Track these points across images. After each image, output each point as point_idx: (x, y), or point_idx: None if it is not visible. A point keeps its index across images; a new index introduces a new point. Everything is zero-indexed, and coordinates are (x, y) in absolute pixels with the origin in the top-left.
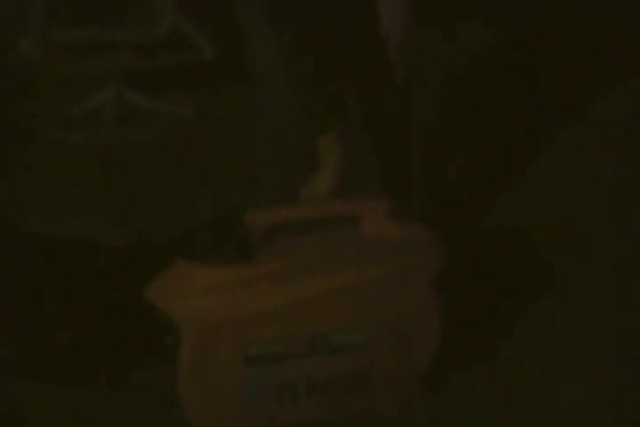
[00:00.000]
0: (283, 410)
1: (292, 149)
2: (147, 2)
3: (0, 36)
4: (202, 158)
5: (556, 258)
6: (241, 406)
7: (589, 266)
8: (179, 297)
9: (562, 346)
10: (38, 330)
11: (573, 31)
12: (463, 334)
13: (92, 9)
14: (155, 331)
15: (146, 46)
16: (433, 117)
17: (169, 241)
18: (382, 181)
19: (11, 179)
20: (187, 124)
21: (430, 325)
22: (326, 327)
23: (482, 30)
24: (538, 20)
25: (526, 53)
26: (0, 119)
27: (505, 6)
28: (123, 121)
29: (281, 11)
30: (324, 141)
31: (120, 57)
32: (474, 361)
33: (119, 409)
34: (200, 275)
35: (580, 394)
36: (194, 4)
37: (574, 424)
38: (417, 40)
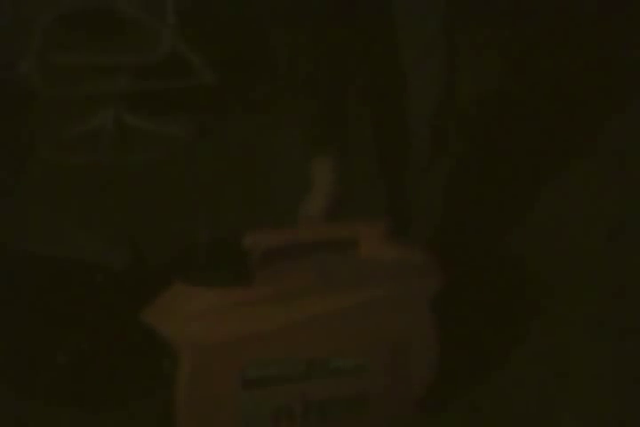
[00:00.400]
0: None
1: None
2: (146, 24)
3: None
4: (200, 181)
5: (555, 283)
6: None
7: (589, 292)
8: (176, 319)
9: (561, 372)
10: (37, 350)
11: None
12: (462, 357)
13: (92, 31)
14: (152, 353)
15: (145, 69)
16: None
17: (167, 263)
18: (384, 204)
19: (9, 200)
20: (185, 147)
21: (429, 348)
22: (324, 350)
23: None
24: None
25: (530, 83)
26: None
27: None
28: (121, 143)
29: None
30: (317, 164)
31: (119, 79)
32: (473, 385)
33: None
34: (198, 297)
35: (579, 420)
36: (193, 27)
37: None
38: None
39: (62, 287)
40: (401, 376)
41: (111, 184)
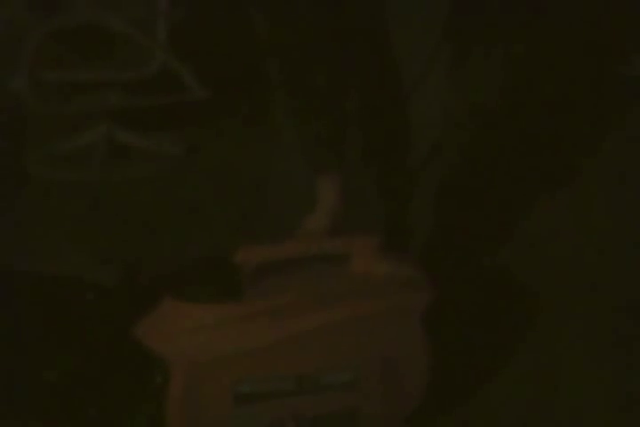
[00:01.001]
0: None
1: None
2: (137, 40)
3: None
4: (191, 197)
5: (545, 296)
6: None
7: (579, 305)
8: (167, 335)
9: (549, 388)
10: (26, 367)
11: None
12: (451, 374)
13: (82, 47)
14: (144, 370)
15: (136, 85)
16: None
17: (158, 279)
18: (380, 220)
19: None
20: (176, 163)
21: (419, 362)
22: (315, 366)
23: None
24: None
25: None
26: None
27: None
28: (112, 159)
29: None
30: (321, 182)
31: (110, 96)
32: (462, 399)
33: None
34: (189, 313)
35: None
36: (184, 42)
37: None
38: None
39: (52, 304)
40: (391, 391)
41: (102, 200)
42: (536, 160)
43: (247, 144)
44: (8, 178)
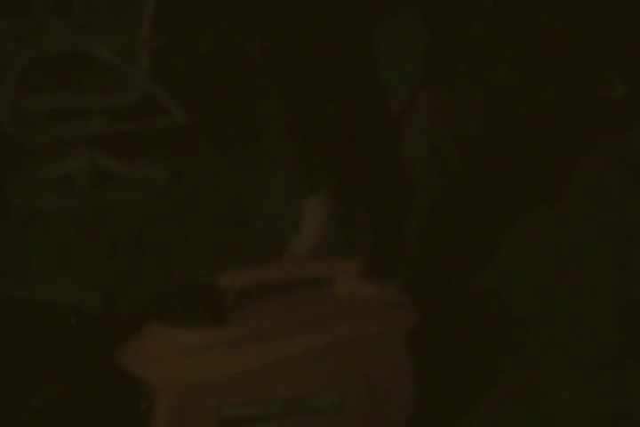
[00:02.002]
0: None
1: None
2: (118, 67)
3: None
4: (175, 222)
5: (528, 320)
6: None
7: (562, 327)
8: (151, 360)
9: (535, 409)
10: (10, 394)
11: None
12: (436, 396)
13: (65, 74)
14: (127, 396)
15: (118, 111)
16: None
17: (141, 304)
18: (364, 243)
19: None
20: (160, 189)
21: (404, 385)
22: (300, 389)
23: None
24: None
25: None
26: None
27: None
28: (95, 186)
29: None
30: (307, 205)
31: (93, 122)
32: (447, 424)
33: None
34: (173, 338)
35: None
36: (167, 69)
37: None
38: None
39: (36, 330)
40: (377, 414)
41: (86, 227)
42: (519, 184)
43: (231, 169)
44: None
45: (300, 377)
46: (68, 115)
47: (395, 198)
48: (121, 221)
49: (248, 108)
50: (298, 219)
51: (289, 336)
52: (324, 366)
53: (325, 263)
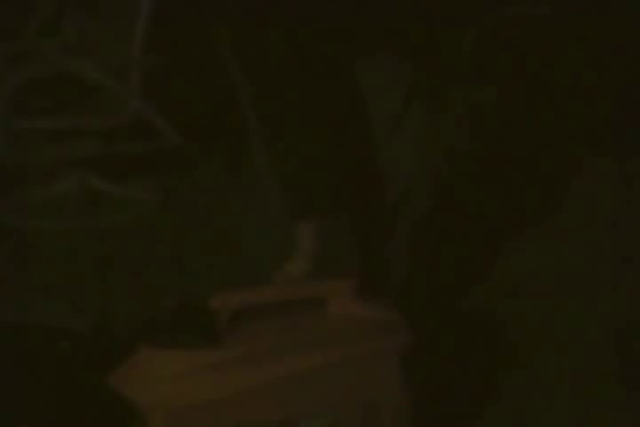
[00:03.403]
0: None
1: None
2: (110, 88)
3: None
4: (168, 243)
5: (521, 340)
6: None
7: (556, 346)
8: (144, 383)
9: (532, 423)
10: (2, 420)
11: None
12: (431, 415)
13: (56, 96)
14: (121, 419)
15: (111, 133)
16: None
17: (134, 327)
18: (355, 264)
19: None
20: (152, 210)
21: (400, 405)
22: (295, 410)
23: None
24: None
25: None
26: None
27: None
28: (87, 207)
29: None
30: (302, 228)
31: (85, 144)
32: None
33: None
34: (165, 360)
35: None
36: (158, 90)
37: None
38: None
39: (27, 354)
40: None
41: (77, 248)
42: (510, 201)
43: (224, 190)
44: None
45: (294, 399)
46: (59, 136)
47: (382, 216)
48: (112, 244)
49: (240, 129)
50: (289, 242)
51: (283, 358)
52: (318, 388)
53: (318, 284)
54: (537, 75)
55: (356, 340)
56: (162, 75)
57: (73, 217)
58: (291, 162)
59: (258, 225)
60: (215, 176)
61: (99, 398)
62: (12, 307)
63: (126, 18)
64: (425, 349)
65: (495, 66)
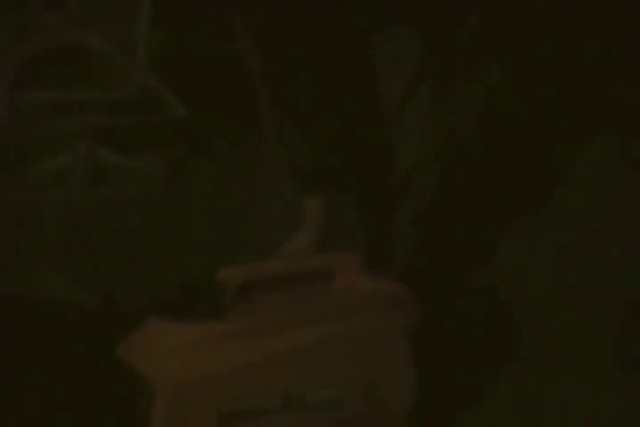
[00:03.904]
0: None
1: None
2: (117, 60)
3: None
4: (175, 217)
5: (527, 315)
6: None
7: (561, 323)
8: (151, 355)
9: (532, 406)
10: (6, 393)
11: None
12: (437, 391)
13: (63, 67)
14: (128, 391)
15: (117, 105)
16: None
17: (141, 300)
18: (363, 239)
19: None
20: (158, 183)
21: (404, 381)
22: (301, 383)
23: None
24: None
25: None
26: None
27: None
28: (93, 180)
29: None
30: (307, 202)
31: (91, 116)
32: (448, 419)
33: None
34: (173, 333)
35: None
36: (164, 62)
37: None
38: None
39: (34, 327)
40: (377, 409)
41: (84, 222)
42: (518, 182)
43: (232, 164)
44: None
45: (299, 372)
46: (66, 108)
47: (387, 192)
48: (119, 217)
49: (247, 104)
50: (295, 216)
51: (289, 331)
52: (324, 361)
53: (324, 258)
54: (543, 54)
55: (362, 314)
56: (168, 47)
57: (79, 190)
58: (298, 137)
59: (262, 199)
60: (220, 150)
61: (105, 370)
62: (18, 280)
63: None
64: (429, 324)
65: (502, 45)
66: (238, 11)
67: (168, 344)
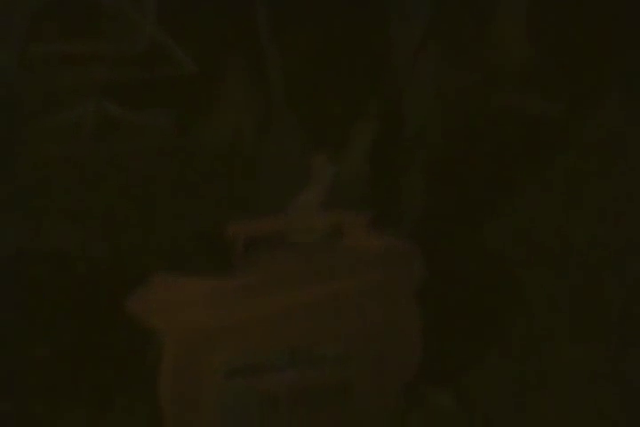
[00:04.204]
0: (265, 424)
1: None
2: (127, 14)
3: None
4: (183, 172)
5: (529, 277)
6: (222, 419)
7: (563, 288)
8: (161, 308)
9: (533, 364)
10: (17, 344)
11: None
12: (443, 347)
13: (73, 22)
14: (136, 342)
15: (126, 59)
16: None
17: (151, 254)
18: (374, 193)
19: None
20: (166, 137)
21: (411, 336)
22: (308, 339)
23: None
24: None
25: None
26: None
27: None
28: (102, 134)
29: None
30: (317, 158)
31: (100, 70)
32: (455, 373)
33: (103, 423)
34: (182, 286)
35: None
36: (173, 16)
37: None
38: None
39: (44, 279)
40: (384, 364)
41: (93, 176)
42: (530, 136)
43: (237, 120)
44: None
45: (308, 327)
46: (76, 62)
47: (399, 151)
48: (128, 172)
49: (256, 59)
50: (305, 172)
51: (297, 286)
52: (331, 316)
53: (332, 215)
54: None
55: (369, 270)
56: (178, 2)
57: (88, 143)
58: (308, 93)
59: (272, 154)
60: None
61: (114, 322)
62: (28, 233)
63: None
64: (438, 281)
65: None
66: None
67: (176, 298)
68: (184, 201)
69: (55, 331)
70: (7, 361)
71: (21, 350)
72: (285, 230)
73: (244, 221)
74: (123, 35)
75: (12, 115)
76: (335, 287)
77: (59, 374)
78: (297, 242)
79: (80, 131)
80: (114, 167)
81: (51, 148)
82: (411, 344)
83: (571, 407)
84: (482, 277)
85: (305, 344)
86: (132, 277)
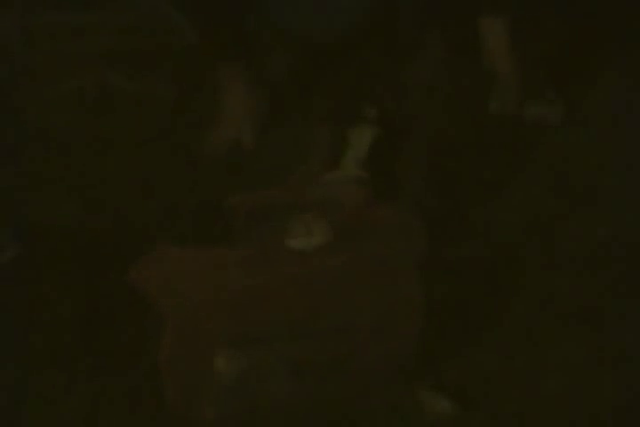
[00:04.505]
0: (265, 395)
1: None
2: None
3: None
4: (183, 142)
5: (531, 257)
6: (223, 390)
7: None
8: (162, 280)
9: (533, 343)
10: (18, 316)
11: None
12: (446, 322)
13: None
14: (138, 314)
15: (127, 29)
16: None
17: (153, 224)
18: (375, 167)
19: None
20: (169, 108)
21: (414, 310)
22: (309, 309)
23: None
24: None
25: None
26: None
27: None
28: (104, 103)
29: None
30: (318, 133)
31: (101, 40)
32: (458, 349)
33: (104, 395)
34: (183, 257)
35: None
36: None
37: None
38: None
39: (46, 252)
40: (387, 338)
41: (94, 147)
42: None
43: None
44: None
45: (308, 298)
46: (77, 33)
47: (400, 126)
48: (130, 143)
49: (262, 28)
50: (307, 145)
51: (297, 258)
52: (333, 287)
53: (336, 186)
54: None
55: (372, 242)
56: None
57: (90, 112)
58: (308, 68)
59: (275, 126)
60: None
61: (116, 294)
62: (32, 208)
63: None
64: (438, 256)
65: None
66: None
67: (177, 269)
68: (187, 172)
69: (56, 302)
70: (12, 331)
71: (21, 321)
72: (286, 202)
73: (246, 193)
74: (122, 4)
75: (13, 86)
76: (335, 258)
77: (57, 345)
78: (297, 214)
79: (82, 100)
80: (115, 138)
81: (52, 117)
82: (411, 316)
83: (571, 407)
84: (482, 252)
85: (305, 315)
86: (134, 249)
